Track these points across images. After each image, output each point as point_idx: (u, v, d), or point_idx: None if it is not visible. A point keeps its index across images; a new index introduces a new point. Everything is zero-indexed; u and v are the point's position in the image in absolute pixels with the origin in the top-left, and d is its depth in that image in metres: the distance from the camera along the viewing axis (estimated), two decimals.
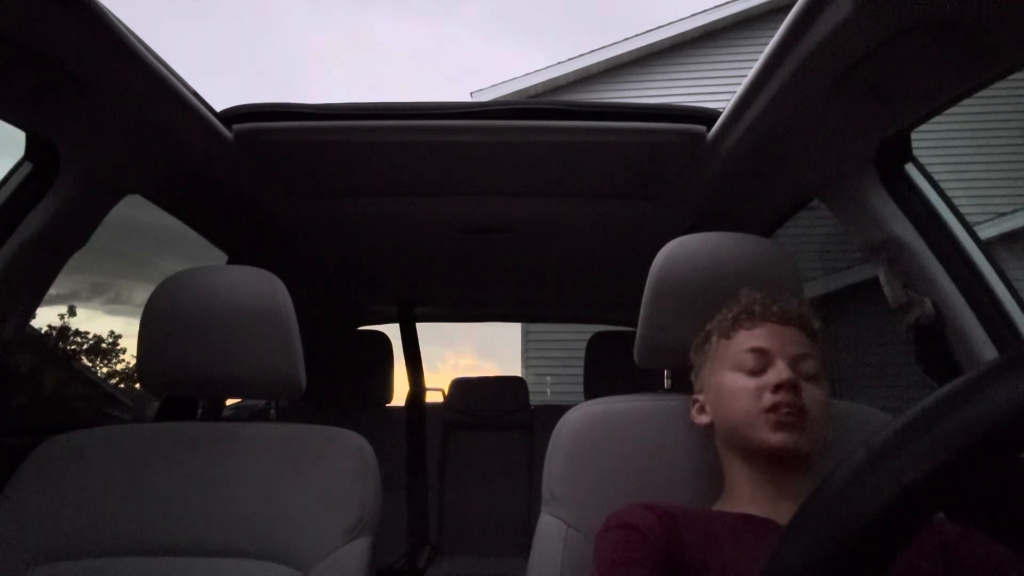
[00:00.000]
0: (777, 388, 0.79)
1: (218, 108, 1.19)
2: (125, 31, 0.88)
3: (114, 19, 0.85)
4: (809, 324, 0.87)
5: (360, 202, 1.57)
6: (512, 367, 7.18)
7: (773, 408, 0.78)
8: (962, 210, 1.06)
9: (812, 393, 0.80)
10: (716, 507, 0.85)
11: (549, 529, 0.91)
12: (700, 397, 0.90)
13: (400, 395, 2.44)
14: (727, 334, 0.88)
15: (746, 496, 0.82)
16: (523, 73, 7.23)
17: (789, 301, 0.87)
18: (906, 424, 0.30)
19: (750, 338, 0.85)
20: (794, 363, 0.82)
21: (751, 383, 0.82)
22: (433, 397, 2.54)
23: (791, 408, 0.78)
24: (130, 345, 7.58)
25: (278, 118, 1.21)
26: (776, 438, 0.78)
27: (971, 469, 0.29)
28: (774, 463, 0.80)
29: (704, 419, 0.89)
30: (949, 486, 0.29)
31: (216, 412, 1.96)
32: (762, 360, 0.83)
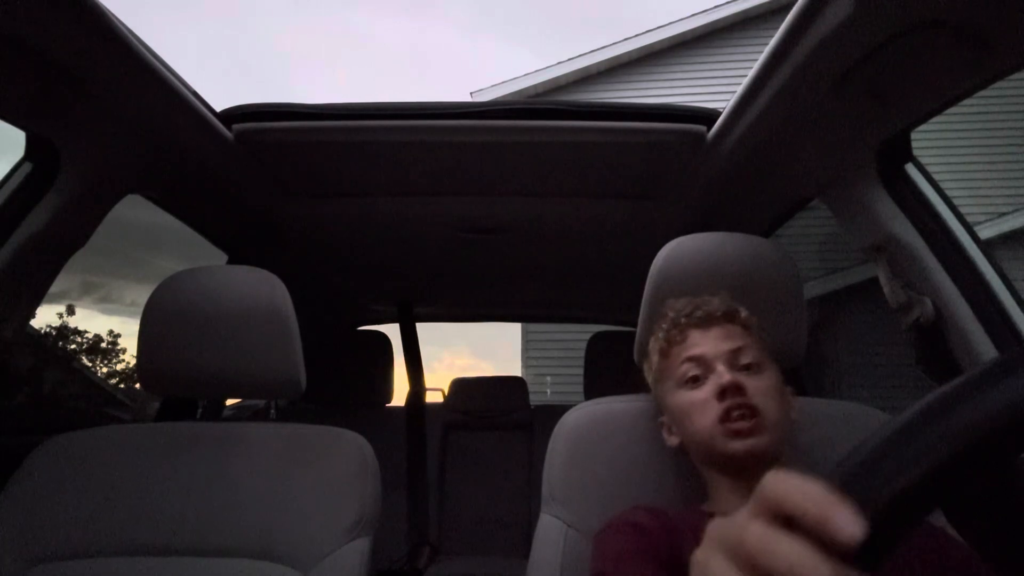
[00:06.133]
0: (722, 394, 0.79)
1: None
2: (125, 31, 0.88)
3: (114, 19, 0.85)
4: (736, 316, 0.87)
5: (360, 202, 1.56)
6: (508, 366, 7.19)
7: (725, 416, 0.78)
8: (962, 210, 1.06)
9: (758, 384, 0.80)
10: (706, 508, 0.85)
11: (549, 529, 0.91)
12: (665, 419, 0.91)
13: (400, 395, 2.45)
14: (664, 353, 0.88)
15: (733, 503, 0.81)
16: (523, 73, 7.23)
17: (709, 300, 0.88)
18: (903, 425, 0.30)
19: (683, 350, 0.85)
20: (731, 360, 0.82)
21: (698, 395, 0.82)
22: (433, 397, 2.55)
23: (742, 410, 0.77)
24: (129, 345, 7.59)
25: (278, 118, 1.21)
26: (736, 446, 0.77)
27: (968, 470, 0.29)
28: (746, 469, 0.79)
29: (674, 440, 0.89)
30: (945, 487, 0.29)
31: (216, 412, 1.96)
32: (702, 367, 0.83)
